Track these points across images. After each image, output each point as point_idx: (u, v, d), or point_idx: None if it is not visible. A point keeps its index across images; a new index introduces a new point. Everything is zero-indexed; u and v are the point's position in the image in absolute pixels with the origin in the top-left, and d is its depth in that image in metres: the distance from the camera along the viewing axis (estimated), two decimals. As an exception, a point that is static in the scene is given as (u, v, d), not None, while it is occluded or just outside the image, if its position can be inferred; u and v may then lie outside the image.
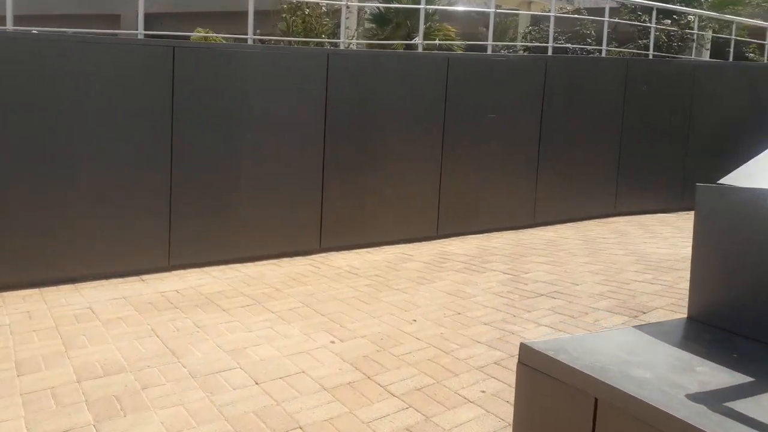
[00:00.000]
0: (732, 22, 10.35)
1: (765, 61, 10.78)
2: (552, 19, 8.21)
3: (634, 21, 10.44)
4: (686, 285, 4.60)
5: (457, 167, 6.89)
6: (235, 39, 9.61)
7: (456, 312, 4.04)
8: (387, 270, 5.30)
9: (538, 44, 10.01)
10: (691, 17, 10.21)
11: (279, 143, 5.74)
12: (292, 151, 5.82)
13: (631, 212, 8.50)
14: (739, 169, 2.62)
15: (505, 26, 13.68)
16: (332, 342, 3.49)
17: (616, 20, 9.95)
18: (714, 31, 10.76)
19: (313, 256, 5.79)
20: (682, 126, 8.92)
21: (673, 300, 4.06)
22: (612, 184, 8.31)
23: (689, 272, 4.71)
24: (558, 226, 7.65)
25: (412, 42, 12.28)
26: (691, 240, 6.02)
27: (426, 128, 6.66)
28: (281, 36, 10.48)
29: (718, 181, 2.78)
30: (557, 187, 7.75)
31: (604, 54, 8.92)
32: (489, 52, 7.88)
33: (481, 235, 7.01)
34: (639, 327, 2.04)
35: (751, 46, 11.21)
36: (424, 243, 6.52)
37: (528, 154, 7.47)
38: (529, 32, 10.55)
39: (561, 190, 7.81)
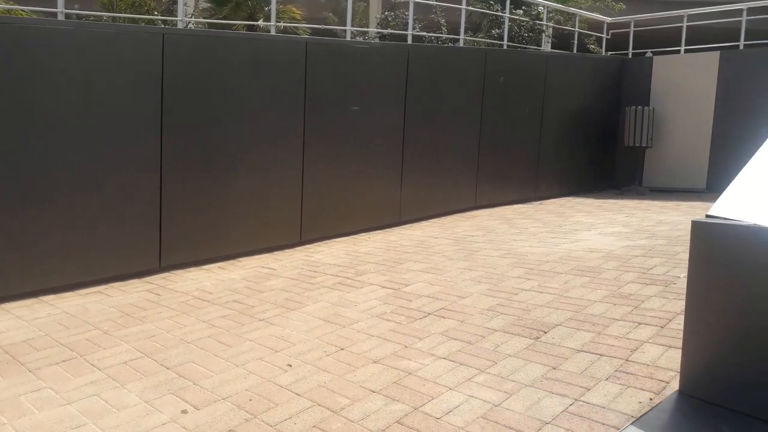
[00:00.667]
0: (575, 14, 10.69)
1: (604, 53, 11.32)
2: (411, 6, 7.75)
3: (486, 10, 10.41)
4: (577, 293, 4.31)
5: (320, 164, 6.20)
6: (46, 14, 8.04)
7: (338, 347, 3.37)
8: (247, 292, 4.48)
9: (394, 32, 9.57)
10: (541, 8, 10.38)
11: (100, 139, 4.65)
12: (116, 149, 4.75)
13: (491, 204, 8.40)
14: (729, 193, 2.20)
15: (353, 11, 13.12)
16: (184, 412, 2.65)
17: (472, 9, 9.82)
18: (558, 23, 11.08)
19: (153, 278, 4.80)
20: (535, 117, 8.98)
21: (569, 314, 3.73)
22: (473, 176, 8.12)
23: (575, 277, 4.33)
24: (424, 224, 7.27)
25: (257, 24, 11.30)
26: (558, 235, 5.66)
27: (284, 121, 5.88)
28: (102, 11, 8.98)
29: (710, 213, 2.34)
30: (421, 182, 7.37)
31: (462, 44, 8.68)
32: (348, 38, 7.23)
33: (348, 237, 6.41)
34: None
35: (591, 38, 11.72)
36: (287, 251, 5.77)
37: (393, 148, 6.98)
38: (385, 18, 10.10)
39: (425, 185, 7.44)
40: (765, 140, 8.32)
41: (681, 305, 3.67)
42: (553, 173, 9.45)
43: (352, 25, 7.50)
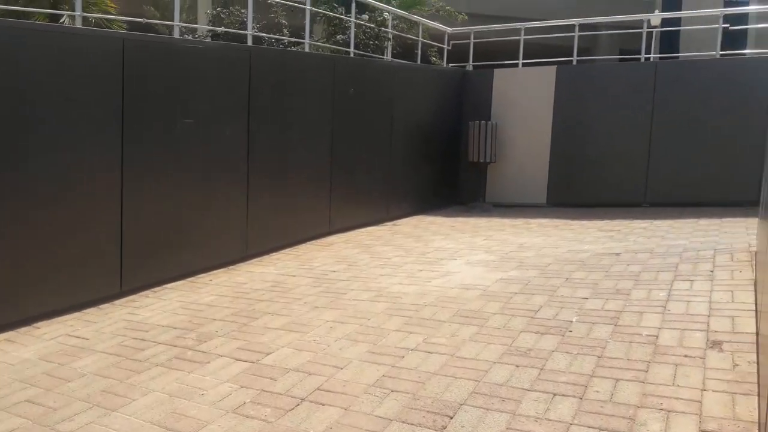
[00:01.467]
0: (419, 23, 10.39)
1: (445, 65, 11.18)
2: (250, 3, 6.78)
3: (330, 13, 9.72)
4: (470, 350, 3.42)
5: (145, 189, 5.04)
6: None
7: (184, 480, 2.41)
8: (46, 382, 3.29)
9: (231, 30, 8.49)
10: (386, 14, 9.91)
11: None
12: None
13: (346, 228, 7.71)
14: None
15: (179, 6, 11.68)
16: None
17: (316, 10, 9.04)
18: (402, 32, 10.72)
19: None
20: (385, 131, 8.47)
21: (471, 384, 3.11)
22: (326, 198, 7.37)
23: (461, 327, 3.68)
24: (276, 257, 6.37)
25: (60, 12, 9.52)
26: (425, 267, 4.90)
27: (95, 133, 4.65)
28: None
29: None
30: (271, 207, 6.46)
31: (307, 49, 7.87)
32: (177, 35, 6.07)
33: (184, 282, 5.31)
34: None
35: (433, 49, 11.55)
36: (104, 308, 4.55)
37: (236, 168, 5.99)
38: (218, 15, 8.96)
39: (275, 211, 6.54)
40: (601, 154, 8.44)
41: (589, 363, 3.23)
42: (404, 192, 9.02)
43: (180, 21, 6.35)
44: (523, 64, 10.81)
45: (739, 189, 8.83)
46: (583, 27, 10.47)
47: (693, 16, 14.80)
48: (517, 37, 10.81)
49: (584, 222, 8.06)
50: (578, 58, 10.29)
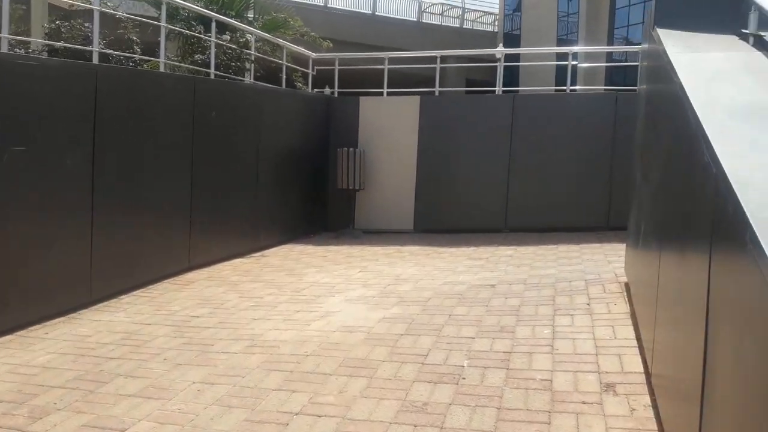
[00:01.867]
0: (283, 47, 10.02)
1: (310, 90, 10.90)
2: (96, 16, 6.02)
3: (188, 31, 9.03)
4: (362, 410, 3.08)
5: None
6: None
7: None
8: None
9: (72, 46, 7.54)
10: (249, 36, 9.41)
11: None
12: None
13: (208, 262, 7.08)
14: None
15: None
16: None
17: (171, 27, 8.33)
18: (266, 54, 10.27)
19: None
20: (251, 157, 7.98)
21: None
22: (185, 230, 6.72)
23: (350, 380, 3.35)
24: (126, 300, 5.62)
25: None
26: (302, 306, 4.55)
27: None
28: None
29: None
30: (120, 242, 5.71)
31: (162, 68, 7.18)
32: (4, 50, 5.16)
33: (13, 336, 4.46)
34: None
35: (297, 74, 11.20)
36: None
37: (77, 200, 5.21)
38: (57, 28, 7.91)
39: (125, 245, 5.79)
40: (464, 181, 8.52)
41: (489, 417, 3.04)
42: (272, 220, 8.55)
43: (10, 34, 5.43)
44: (388, 93, 10.85)
45: (590, 215, 9.45)
46: (436, 59, 10.73)
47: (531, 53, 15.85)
48: (381, 66, 10.84)
49: (453, 250, 8.11)
50: (439, 89, 10.51)
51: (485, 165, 9.72)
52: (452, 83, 21.43)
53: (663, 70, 3.28)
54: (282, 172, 8.80)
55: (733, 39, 3.48)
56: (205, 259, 6.99)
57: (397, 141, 10.02)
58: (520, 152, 9.60)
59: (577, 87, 14.13)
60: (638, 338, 3.79)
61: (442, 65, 17.18)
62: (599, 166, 9.44)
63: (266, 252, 8.17)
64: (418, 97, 10.08)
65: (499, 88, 11.46)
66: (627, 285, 5.02)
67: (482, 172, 9.72)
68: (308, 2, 26.84)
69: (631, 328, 4.04)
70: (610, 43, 28.26)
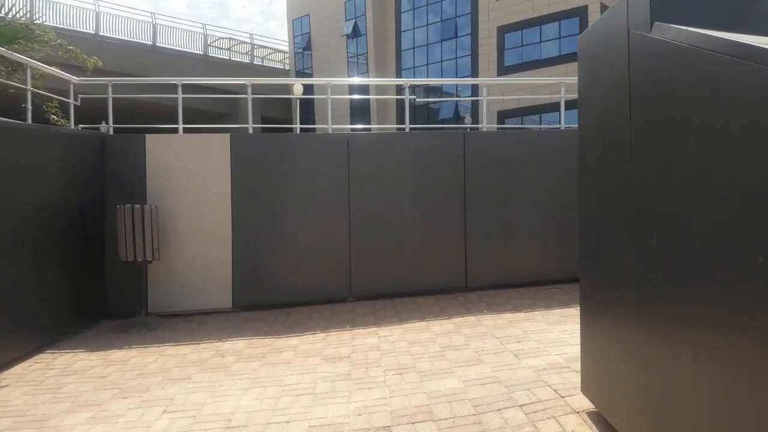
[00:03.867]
0: (26, 65, 7.03)
1: (75, 126, 7.96)
2: None
3: None
4: None
5: None
6: None
7: None
8: None
9: None
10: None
11: None
12: None
13: None
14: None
15: None
16: None
17: None
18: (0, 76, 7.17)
19: None
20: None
21: None
22: None
23: None
24: None
25: None
26: None
27: None
28: None
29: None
30: None
31: None
32: None
33: None
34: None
35: (50, 103, 8.17)
36: None
37: None
38: None
39: None
40: (297, 241, 6.47)
41: None
42: (15, 317, 5.58)
43: None
44: (184, 130, 8.39)
45: (446, 273, 7.97)
46: (231, 90, 8.62)
47: (323, 88, 14.55)
48: (172, 95, 8.38)
49: (296, 341, 5.94)
50: (254, 126, 8.36)
51: (320, 217, 7.75)
52: (244, 119, 19.43)
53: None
54: (30, 242, 5.89)
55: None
56: None
57: (202, 192, 7.60)
58: (361, 200, 7.82)
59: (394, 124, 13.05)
60: None
61: (237, 96, 15.07)
62: (451, 215, 8.03)
63: (4, 374, 5.18)
64: (227, 135, 7.80)
65: (297, 125, 9.84)
66: (597, 415, 3.37)
67: (318, 226, 7.73)
68: (75, 29, 22.79)
69: None
70: (400, 89, 28.45)
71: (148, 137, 7.64)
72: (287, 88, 21.42)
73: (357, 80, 28.79)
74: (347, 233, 7.77)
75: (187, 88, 8.59)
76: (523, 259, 8.16)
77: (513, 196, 8.21)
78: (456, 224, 8.04)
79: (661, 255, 2.55)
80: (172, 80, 8.17)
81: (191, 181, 7.57)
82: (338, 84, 14.86)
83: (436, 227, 7.99)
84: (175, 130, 8.25)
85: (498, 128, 17.33)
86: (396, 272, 7.85)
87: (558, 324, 5.99)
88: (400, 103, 29.43)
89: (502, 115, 25.47)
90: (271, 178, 7.68)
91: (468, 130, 13.00)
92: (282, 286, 7.65)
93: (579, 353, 3.64)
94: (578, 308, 3.58)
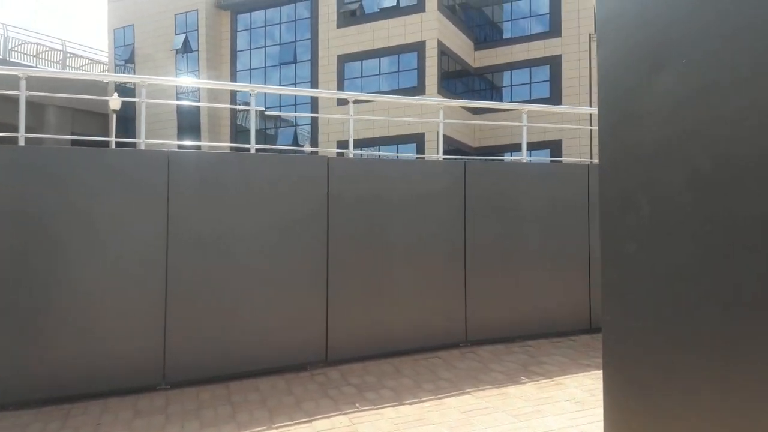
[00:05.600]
0: None
1: None
2: None
3: None
4: None
5: None
6: None
7: None
8: None
9: None
10: None
11: None
12: None
13: None
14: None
15: None
16: None
17: None
18: None
19: None
20: None
21: None
22: None
23: None
24: None
25: None
26: None
27: None
28: None
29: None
30: None
31: None
32: None
33: None
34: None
35: None
36: None
37: None
38: None
39: None
40: (81, 300, 4.20)
41: None
42: None
43: None
44: None
45: (293, 344, 6.02)
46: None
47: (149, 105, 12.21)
48: None
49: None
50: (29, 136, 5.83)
51: (112, 266, 5.41)
52: (55, 134, 16.16)
53: None
54: None
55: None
56: None
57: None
58: (185, 248, 5.65)
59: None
60: None
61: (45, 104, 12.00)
62: (312, 264, 6.14)
63: None
64: None
65: (113, 139, 7.58)
66: None
67: (111, 286, 5.38)
68: None
69: None
70: (233, 103, 26.19)
71: None
72: (103, 104, 18.28)
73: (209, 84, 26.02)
74: (163, 290, 5.52)
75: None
76: (399, 318, 6.45)
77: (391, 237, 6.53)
78: (317, 277, 6.14)
79: None
80: None
81: None
82: (161, 87, 12.37)
83: (290, 282, 6.03)
84: None
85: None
86: (229, 339, 5.73)
87: (461, 427, 4.33)
88: (233, 122, 27.09)
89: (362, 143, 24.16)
90: (38, 211, 5.20)
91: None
92: (58, 368, 5.15)
93: None
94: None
